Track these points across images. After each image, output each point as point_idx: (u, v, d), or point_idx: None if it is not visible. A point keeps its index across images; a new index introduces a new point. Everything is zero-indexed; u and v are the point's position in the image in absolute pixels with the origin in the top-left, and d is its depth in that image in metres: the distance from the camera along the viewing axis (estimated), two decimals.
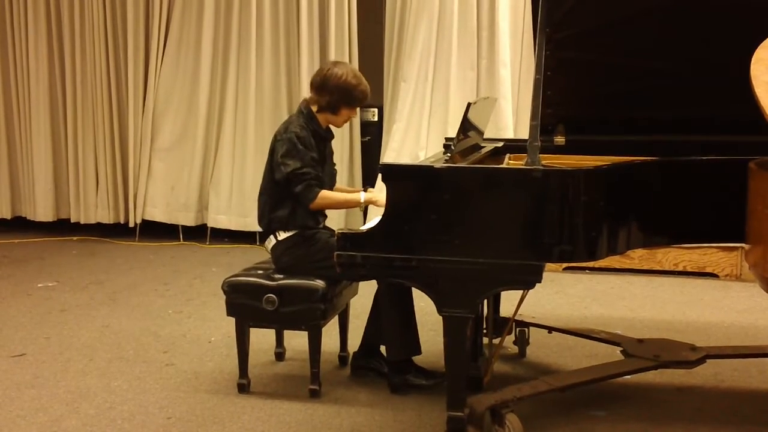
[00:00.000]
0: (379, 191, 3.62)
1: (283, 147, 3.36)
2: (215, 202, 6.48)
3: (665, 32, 3.24)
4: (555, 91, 3.25)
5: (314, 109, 3.47)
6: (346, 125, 6.10)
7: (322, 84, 3.43)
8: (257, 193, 3.55)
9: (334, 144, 3.71)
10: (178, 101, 6.51)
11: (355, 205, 3.48)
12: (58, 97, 6.79)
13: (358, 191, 3.57)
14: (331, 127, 3.57)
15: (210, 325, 4.34)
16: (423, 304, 3.29)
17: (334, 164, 3.71)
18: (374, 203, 3.44)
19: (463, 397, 2.80)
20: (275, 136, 3.45)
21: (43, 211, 6.88)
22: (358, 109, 3.57)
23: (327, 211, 3.57)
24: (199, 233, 6.61)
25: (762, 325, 4.35)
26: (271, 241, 3.47)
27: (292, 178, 3.33)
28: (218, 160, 6.48)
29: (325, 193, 3.37)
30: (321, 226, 3.51)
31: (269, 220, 3.46)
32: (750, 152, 2.89)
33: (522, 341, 3.84)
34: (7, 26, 6.76)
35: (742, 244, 2.92)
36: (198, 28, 6.37)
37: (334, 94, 3.42)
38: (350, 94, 3.43)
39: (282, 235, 3.43)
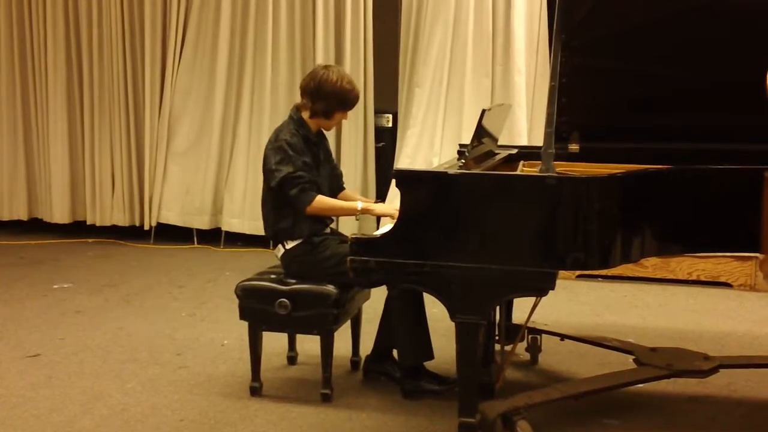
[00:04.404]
0: (394, 199, 3.62)
1: (275, 155, 3.36)
2: (230, 206, 6.51)
3: (681, 39, 3.23)
4: (570, 99, 3.24)
5: (306, 115, 3.47)
6: (360, 130, 6.17)
7: (317, 90, 3.41)
8: (261, 203, 3.56)
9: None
10: (193, 105, 6.55)
11: (353, 213, 3.44)
12: (75, 101, 6.83)
13: (357, 201, 3.51)
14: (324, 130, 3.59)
15: (223, 328, 4.36)
16: (435, 310, 3.29)
17: (335, 166, 3.71)
18: (370, 212, 3.44)
19: (474, 404, 2.80)
20: (267, 146, 3.45)
21: (59, 213, 6.92)
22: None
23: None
24: (213, 237, 6.64)
25: None
26: (280, 250, 3.48)
27: (285, 183, 3.33)
28: (233, 164, 6.50)
29: (321, 198, 3.37)
30: (328, 231, 3.52)
31: (274, 232, 3.47)
32: (766, 161, 2.88)
33: (534, 348, 3.84)
34: (26, 29, 6.82)
35: (757, 254, 2.91)
36: (214, 32, 6.40)
37: (329, 101, 3.41)
38: (345, 98, 3.44)
39: (290, 244, 3.43)
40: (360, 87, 3.53)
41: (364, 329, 3.79)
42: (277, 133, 3.45)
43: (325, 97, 3.41)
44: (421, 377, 3.42)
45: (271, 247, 3.55)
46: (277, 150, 3.36)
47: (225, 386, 3.54)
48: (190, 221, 6.65)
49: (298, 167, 3.34)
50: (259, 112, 6.39)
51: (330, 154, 3.68)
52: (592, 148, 3.48)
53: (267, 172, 3.41)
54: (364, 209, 3.41)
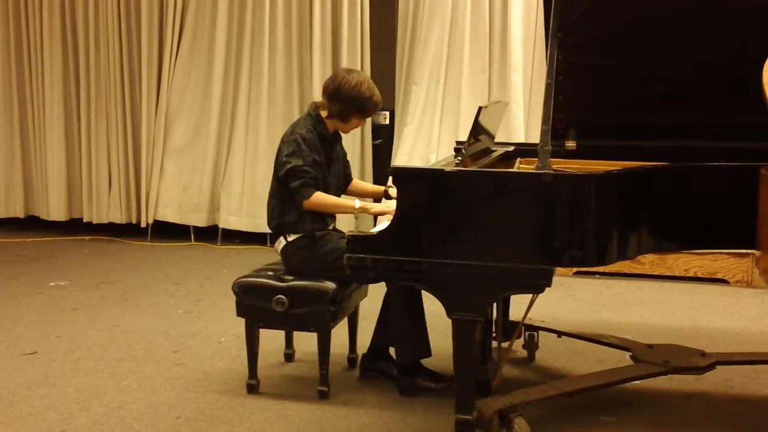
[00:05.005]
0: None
1: (288, 148, 3.40)
2: (227, 204, 6.51)
3: (677, 38, 3.23)
4: (566, 96, 3.24)
5: (324, 114, 3.49)
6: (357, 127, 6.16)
7: (335, 92, 3.44)
8: (268, 195, 3.58)
9: (345, 147, 3.73)
10: (190, 103, 6.54)
11: (350, 211, 3.48)
12: (72, 98, 6.82)
13: (355, 199, 3.55)
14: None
15: (220, 325, 4.36)
16: (433, 307, 3.29)
17: (347, 164, 3.73)
18: (367, 211, 3.46)
19: (471, 401, 2.80)
20: (282, 139, 3.48)
21: (55, 211, 6.91)
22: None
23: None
24: (210, 234, 6.63)
25: None
26: (281, 243, 3.49)
27: (290, 174, 3.36)
28: (230, 161, 6.50)
29: (319, 194, 3.38)
30: (330, 227, 3.53)
31: (278, 224, 3.48)
32: (762, 159, 2.88)
33: (531, 345, 3.84)
34: (22, 26, 6.80)
35: (753, 251, 2.91)
36: (211, 30, 6.39)
37: (346, 104, 3.43)
38: (363, 104, 3.45)
39: (291, 237, 3.44)
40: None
41: (361, 326, 3.79)
42: (294, 127, 3.48)
43: (342, 100, 3.42)
44: (418, 374, 3.42)
45: (269, 243, 3.55)
46: (291, 143, 3.40)
47: (222, 383, 3.54)
48: (187, 218, 6.64)
49: (307, 162, 3.36)
50: (256, 109, 6.38)
51: (344, 155, 3.71)
52: (588, 146, 3.48)
53: (277, 163, 3.44)
54: (362, 208, 3.42)
